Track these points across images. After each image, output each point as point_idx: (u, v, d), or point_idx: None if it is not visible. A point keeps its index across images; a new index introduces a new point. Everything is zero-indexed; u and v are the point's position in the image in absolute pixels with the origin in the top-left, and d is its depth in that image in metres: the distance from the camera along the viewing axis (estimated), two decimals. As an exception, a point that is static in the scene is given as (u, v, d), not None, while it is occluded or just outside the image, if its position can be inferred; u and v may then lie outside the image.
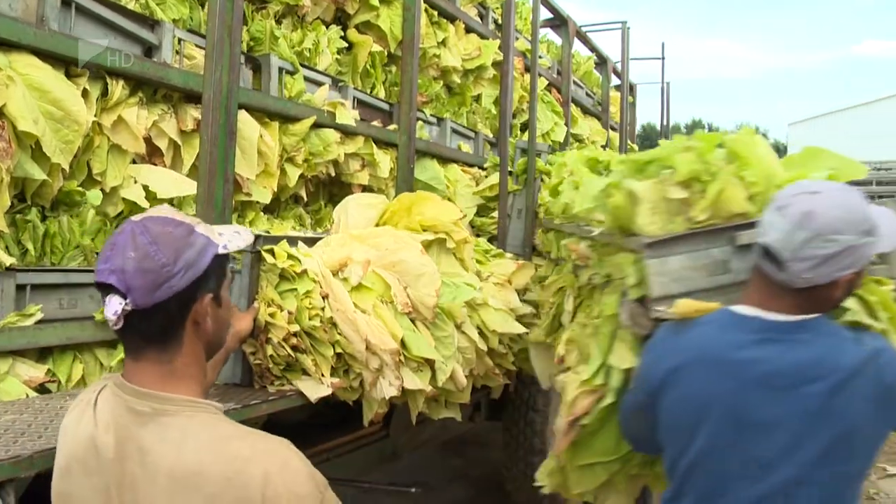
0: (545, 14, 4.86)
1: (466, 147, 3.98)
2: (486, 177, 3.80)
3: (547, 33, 5.81)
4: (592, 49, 5.85)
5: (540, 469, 1.96)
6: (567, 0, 4.86)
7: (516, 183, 3.65)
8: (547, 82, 4.91)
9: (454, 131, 3.91)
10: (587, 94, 6.03)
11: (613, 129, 6.19)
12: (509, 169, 3.65)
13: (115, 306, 1.06)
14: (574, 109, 5.41)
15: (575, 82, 5.55)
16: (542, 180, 3.61)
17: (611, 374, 1.70)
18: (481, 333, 2.27)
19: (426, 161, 3.54)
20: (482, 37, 4.22)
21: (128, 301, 1.07)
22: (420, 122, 3.59)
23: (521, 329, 2.46)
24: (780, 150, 38.30)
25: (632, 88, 7.36)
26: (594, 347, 1.78)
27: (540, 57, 5.22)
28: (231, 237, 1.20)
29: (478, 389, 2.87)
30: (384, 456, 3.11)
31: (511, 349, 2.66)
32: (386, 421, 3.01)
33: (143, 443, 1.08)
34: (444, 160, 3.71)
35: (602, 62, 6.11)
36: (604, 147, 5.72)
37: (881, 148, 24.32)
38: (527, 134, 3.79)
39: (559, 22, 4.97)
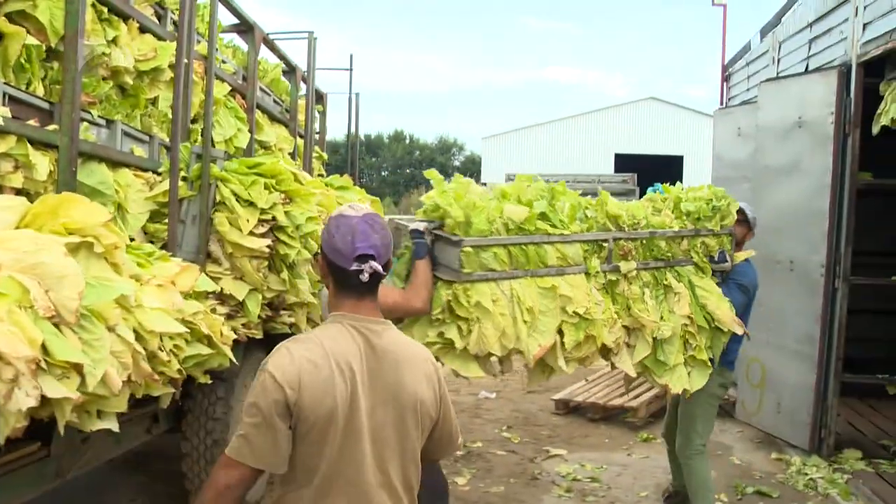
0: (232, 19, 4.89)
1: (140, 151, 3.87)
2: (161, 182, 3.74)
3: (234, 38, 5.80)
4: (281, 57, 5.97)
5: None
6: (265, 5, 4.91)
7: (191, 188, 3.64)
8: (230, 88, 4.92)
9: (126, 134, 3.77)
10: (275, 102, 6.12)
11: (302, 136, 6.34)
12: (184, 174, 3.63)
13: (374, 267, 1.82)
14: (261, 116, 5.47)
15: (262, 89, 5.62)
16: (216, 186, 3.65)
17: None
18: (139, 337, 2.28)
19: (93, 165, 3.37)
20: (159, 38, 4.13)
21: (379, 265, 1.84)
22: (86, 124, 3.43)
23: (180, 328, 2.50)
24: (476, 161, 41.23)
25: (322, 98, 7.60)
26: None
27: (224, 62, 5.21)
28: None
29: (146, 400, 2.83)
30: (46, 478, 2.92)
31: (176, 356, 2.68)
32: (45, 439, 2.84)
33: (382, 346, 1.85)
34: (114, 164, 3.56)
35: (291, 70, 6.25)
36: (291, 155, 5.86)
37: (562, 162, 27.56)
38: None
39: (245, 28, 5.00)
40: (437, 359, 3.11)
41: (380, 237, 1.86)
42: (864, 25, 5.33)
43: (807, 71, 6.14)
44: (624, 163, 29.71)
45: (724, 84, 9.23)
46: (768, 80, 6.59)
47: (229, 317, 3.69)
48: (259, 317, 3.93)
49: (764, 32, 7.63)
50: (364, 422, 1.78)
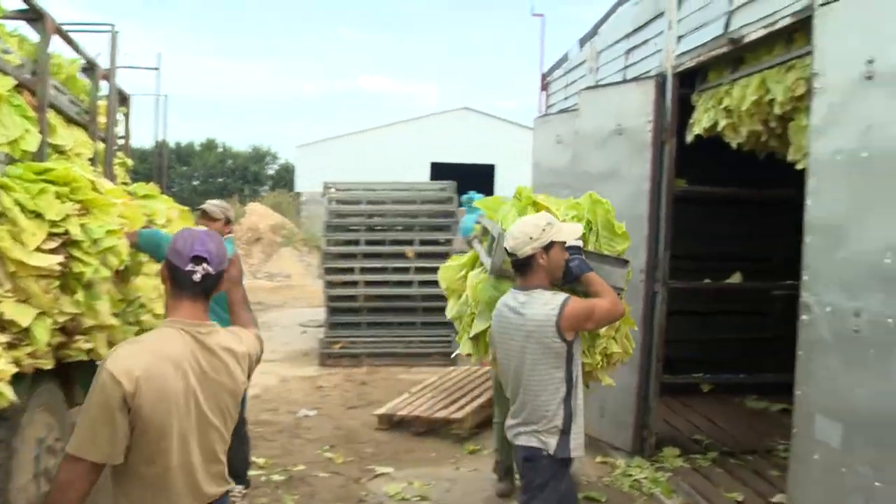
0: (19, 4, 4.14)
1: None
2: None
3: (19, 27, 4.91)
4: (78, 51, 5.17)
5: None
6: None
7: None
8: (16, 82, 4.10)
9: None
10: (72, 102, 5.26)
11: (104, 140, 5.56)
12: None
13: (206, 269, 2.13)
14: (54, 117, 4.64)
15: (56, 87, 4.78)
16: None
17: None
18: None
19: None
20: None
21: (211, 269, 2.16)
22: None
23: None
24: (290, 170, 40.10)
25: (126, 99, 6.78)
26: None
27: (6, 52, 4.36)
28: None
29: None
30: None
31: None
32: None
33: (211, 345, 2.13)
34: None
35: (90, 67, 5.44)
36: (91, 161, 5.08)
37: (378, 170, 27.36)
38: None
39: (34, 16, 4.22)
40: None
41: (215, 246, 2.18)
42: (679, 38, 5.53)
43: (625, 80, 6.30)
44: (440, 171, 30.04)
45: (543, 93, 9.43)
46: (588, 88, 6.71)
47: (11, 346, 3.16)
48: (49, 344, 3.42)
49: (582, 42, 7.82)
50: (195, 412, 2.06)
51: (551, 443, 3.08)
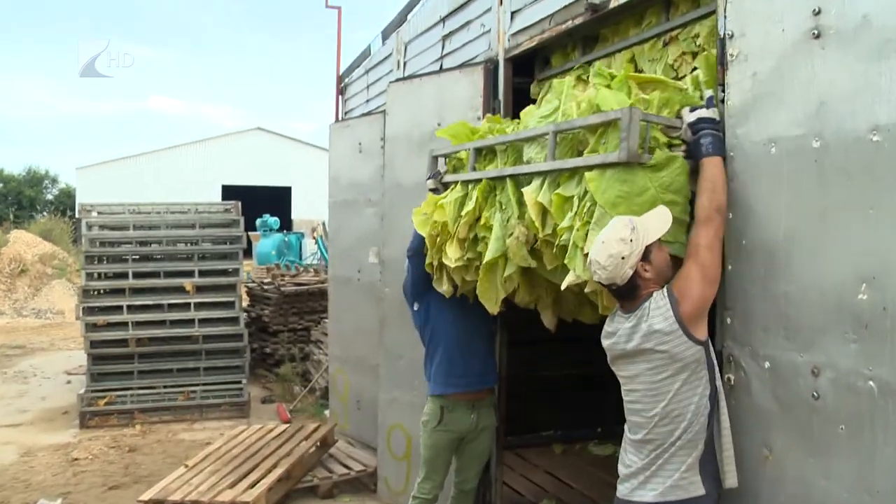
0: None
1: None
2: None
3: None
4: None
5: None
6: None
7: None
8: None
9: None
10: None
11: None
12: None
13: None
14: None
15: None
16: None
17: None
18: None
19: None
20: None
21: None
22: None
23: None
24: (71, 194, 36.28)
25: None
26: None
27: None
28: None
29: None
30: None
31: None
32: None
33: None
34: None
35: None
36: None
37: (167, 192, 24.77)
38: None
39: None
40: None
41: None
42: (513, 14, 4.39)
43: (443, 69, 5.08)
44: (232, 194, 28.61)
45: (340, 98, 8.04)
46: (399, 80, 5.41)
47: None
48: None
49: (387, 34, 6.55)
50: None
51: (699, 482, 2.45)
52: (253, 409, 8.27)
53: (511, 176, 3.25)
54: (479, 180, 3.47)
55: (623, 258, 2.45)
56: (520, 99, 4.47)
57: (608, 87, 2.87)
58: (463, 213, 3.46)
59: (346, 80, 7.78)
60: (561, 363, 5.99)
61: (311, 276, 11.58)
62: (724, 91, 2.70)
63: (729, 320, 2.64)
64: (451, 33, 5.17)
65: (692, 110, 2.69)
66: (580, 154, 2.89)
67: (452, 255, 3.51)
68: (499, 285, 3.36)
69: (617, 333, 2.58)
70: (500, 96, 4.45)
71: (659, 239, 2.52)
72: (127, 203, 9.49)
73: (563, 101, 3.10)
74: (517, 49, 4.33)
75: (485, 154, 3.63)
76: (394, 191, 5.15)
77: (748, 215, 2.57)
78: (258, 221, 20.61)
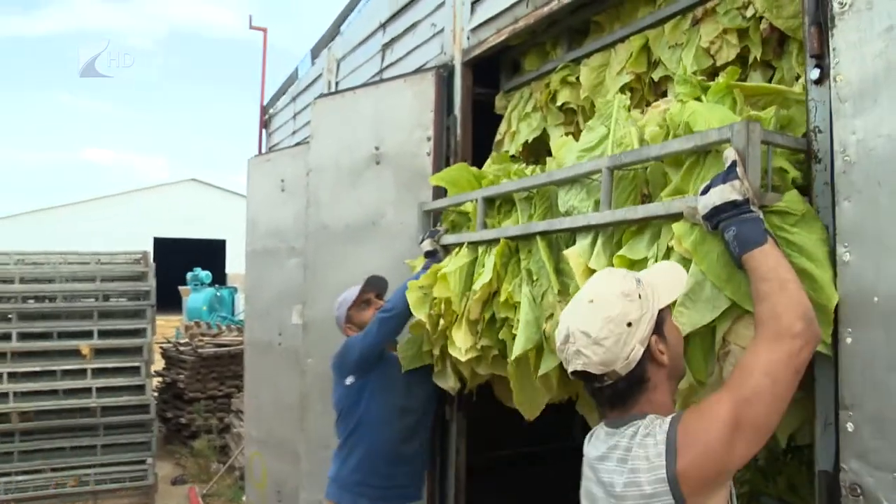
0: None
1: None
2: None
3: None
4: None
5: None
6: None
7: None
8: None
9: None
10: None
11: None
12: None
13: None
14: None
15: None
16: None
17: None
18: None
19: None
20: None
21: None
22: None
23: None
24: None
25: None
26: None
27: None
28: None
29: None
30: None
31: None
32: None
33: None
34: None
35: None
36: None
37: (94, 244, 23.15)
38: None
39: None
40: None
41: None
42: (473, 4, 3.39)
43: (383, 80, 4.04)
44: (165, 247, 27.07)
45: (264, 131, 6.94)
46: (325, 95, 4.33)
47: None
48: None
49: (316, 52, 5.52)
50: None
51: None
52: (161, 493, 7.08)
53: (543, 233, 2.20)
54: (494, 241, 2.42)
55: (629, 325, 1.45)
56: (482, 115, 3.45)
57: (698, 99, 1.85)
58: (475, 286, 2.39)
59: (271, 110, 6.69)
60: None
61: (234, 336, 10.25)
62: (819, 67, 1.70)
63: (851, 426, 1.58)
64: (393, 40, 4.15)
65: (704, 191, 1.66)
66: (647, 200, 1.87)
67: (462, 345, 2.45)
68: (538, 384, 2.27)
69: (605, 462, 1.52)
70: (457, 111, 3.42)
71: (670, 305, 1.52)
72: (13, 252, 8.11)
73: (613, 125, 2.05)
74: (480, 48, 3.31)
75: (499, 205, 2.60)
76: (319, 234, 4.03)
77: (881, 255, 1.54)
78: (189, 275, 19.18)
